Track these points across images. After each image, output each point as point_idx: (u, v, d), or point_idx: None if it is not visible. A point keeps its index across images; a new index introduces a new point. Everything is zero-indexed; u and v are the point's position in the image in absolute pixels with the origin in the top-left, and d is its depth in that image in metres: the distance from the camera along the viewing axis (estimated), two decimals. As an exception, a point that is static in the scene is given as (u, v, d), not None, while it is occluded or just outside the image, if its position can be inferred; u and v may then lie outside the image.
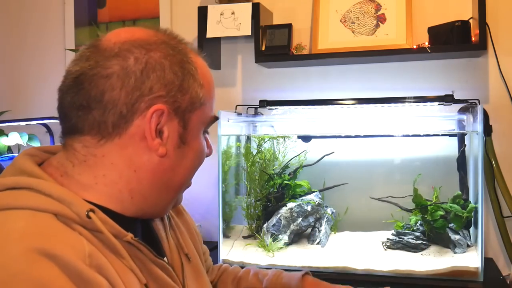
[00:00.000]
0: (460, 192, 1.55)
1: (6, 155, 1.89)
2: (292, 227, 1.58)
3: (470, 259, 1.39)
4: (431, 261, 1.41)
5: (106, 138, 0.69)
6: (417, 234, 1.52)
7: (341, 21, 1.75)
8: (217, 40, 1.89)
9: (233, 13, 1.74)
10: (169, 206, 0.78)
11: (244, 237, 1.66)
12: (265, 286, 1.01)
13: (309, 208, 1.61)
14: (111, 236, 0.67)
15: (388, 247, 1.52)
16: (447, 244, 1.47)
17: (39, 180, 0.67)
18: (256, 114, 1.77)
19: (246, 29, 1.72)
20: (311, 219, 1.61)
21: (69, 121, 0.70)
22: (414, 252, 1.48)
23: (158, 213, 0.78)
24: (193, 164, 0.76)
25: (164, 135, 0.71)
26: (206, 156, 0.79)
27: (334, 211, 1.68)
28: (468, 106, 1.52)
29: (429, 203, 1.52)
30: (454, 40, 1.55)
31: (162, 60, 0.70)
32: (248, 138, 1.76)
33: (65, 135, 0.72)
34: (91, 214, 0.65)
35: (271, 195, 1.66)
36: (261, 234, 1.59)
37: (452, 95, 1.50)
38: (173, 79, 0.70)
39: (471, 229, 1.53)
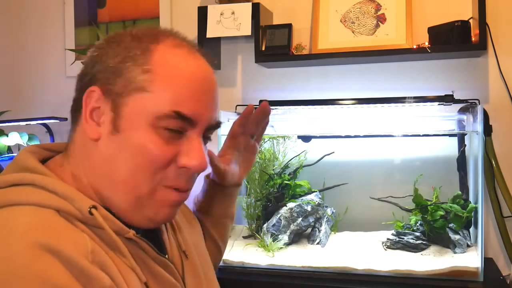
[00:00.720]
0: (460, 192, 1.55)
1: (6, 155, 1.89)
2: (292, 227, 1.57)
3: (470, 259, 1.39)
4: (431, 261, 1.41)
5: (73, 125, 0.75)
6: (417, 234, 1.52)
7: (341, 21, 1.75)
8: (217, 40, 1.89)
9: (233, 13, 1.74)
10: (136, 215, 0.70)
11: (244, 237, 1.66)
12: (196, 210, 1.03)
13: (309, 208, 1.61)
14: (112, 233, 0.67)
15: (388, 247, 1.52)
16: (447, 244, 1.47)
17: (42, 176, 0.68)
18: (256, 114, 1.77)
19: (246, 29, 1.72)
20: (311, 219, 1.61)
21: None
22: (414, 252, 1.48)
23: (130, 220, 0.71)
24: (134, 160, 0.68)
25: (100, 119, 0.70)
26: (189, 168, 0.70)
27: (334, 211, 1.68)
28: (468, 106, 1.52)
29: (429, 203, 1.52)
30: (454, 40, 1.55)
31: (108, 47, 0.71)
32: (248, 138, 1.76)
33: None
34: (93, 210, 0.66)
35: (271, 195, 1.66)
36: (261, 234, 1.59)
37: (452, 95, 1.50)
38: (112, 64, 0.69)
39: (471, 229, 1.53)
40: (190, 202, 1.05)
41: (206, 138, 0.75)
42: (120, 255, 0.68)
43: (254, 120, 0.98)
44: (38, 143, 1.90)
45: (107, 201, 0.70)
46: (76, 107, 0.73)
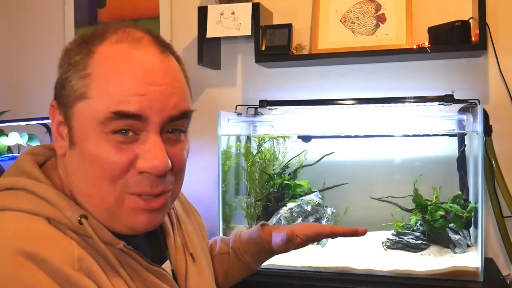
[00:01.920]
0: (460, 192, 1.55)
1: (6, 155, 1.88)
2: (292, 227, 1.57)
3: (470, 259, 1.39)
4: (431, 261, 1.41)
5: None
6: (417, 234, 1.52)
7: (341, 21, 1.75)
8: (217, 40, 1.89)
9: (233, 13, 1.74)
10: (116, 226, 0.68)
11: (244, 237, 1.66)
12: (231, 247, 1.02)
13: (309, 208, 1.61)
14: (101, 243, 0.65)
15: (388, 247, 1.52)
16: (447, 244, 1.47)
17: (35, 182, 0.67)
18: (256, 114, 1.77)
19: (246, 29, 1.72)
20: (311, 219, 1.61)
21: None
22: (414, 252, 1.48)
23: (114, 228, 0.68)
24: (91, 171, 0.64)
25: (64, 133, 0.68)
26: (148, 172, 0.64)
27: (334, 211, 1.68)
28: (468, 106, 1.52)
29: (429, 203, 1.52)
30: (454, 40, 1.55)
31: (62, 58, 0.69)
32: (248, 138, 1.76)
33: None
34: (83, 220, 0.65)
35: (271, 195, 1.66)
36: (261, 234, 1.59)
37: (452, 95, 1.50)
38: (60, 74, 0.68)
39: (471, 229, 1.53)
40: (204, 206, 1.07)
41: (176, 130, 0.68)
42: (110, 265, 0.67)
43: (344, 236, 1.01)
44: (38, 143, 1.90)
45: (89, 212, 0.67)
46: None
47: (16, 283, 0.56)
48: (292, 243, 0.96)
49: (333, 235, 1.00)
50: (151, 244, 0.76)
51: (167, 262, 0.79)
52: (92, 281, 0.62)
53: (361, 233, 0.96)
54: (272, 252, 1.00)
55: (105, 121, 0.63)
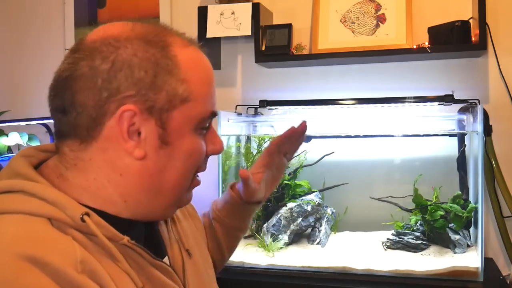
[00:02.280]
0: (460, 192, 1.55)
1: (6, 155, 1.88)
2: (292, 227, 1.58)
3: (470, 259, 1.39)
4: (431, 261, 1.41)
5: (85, 142, 0.67)
6: (417, 234, 1.52)
7: (341, 21, 1.75)
8: (217, 40, 1.89)
9: (233, 13, 1.74)
10: (170, 209, 0.74)
11: (244, 237, 1.65)
12: (212, 217, 1.02)
13: (309, 208, 1.61)
14: (105, 239, 0.65)
15: (388, 247, 1.52)
16: (447, 244, 1.47)
17: (33, 183, 0.66)
18: (256, 114, 1.77)
19: (246, 29, 1.72)
20: (311, 219, 1.61)
21: (55, 125, 0.70)
22: (414, 252, 1.48)
23: (158, 216, 0.75)
24: (184, 165, 0.71)
25: (141, 137, 0.67)
26: (215, 154, 0.76)
27: (334, 211, 1.68)
28: (468, 106, 1.52)
29: (429, 203, 1.52)
30: (454, 40, 1.55)
31: (131, 58, 0.65)
32: (248, 138, 1.76)
33: (56, 138, 0.71)
34: (85, 217, 0.64)
35: (271, 195, 1.66)
36: (261, 234, 1.59)
37: (452, 95, 1.50)
38: (143, 77, 0.65)
39: (471, 229, 1.53)
40: (204, 205, 1.06)
41: None
42: (115, 260, 0.66)
43: (291, 139, 1.00)
44: (38, 143, 1.90)
45: (145, 208, 0.71)
46: (92, 124, 0.66)
47: (18, 287, 0.55)
48: (252, 183, 0.94)
49: (280, 142, 1.00)
50: (149, 240, 0.76)
51: (166, 258, 0.79)
52: (96, 283, 0.61)
53: (301, 128, 0.98)
54: (248, 204, 0.99)
55: (203, 120, 0.71)
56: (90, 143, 0.67)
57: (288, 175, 1.69)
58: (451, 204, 1.50)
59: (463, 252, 1.44)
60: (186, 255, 0.83)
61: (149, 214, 0.72)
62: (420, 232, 1.53)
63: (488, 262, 1.52)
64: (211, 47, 1.87)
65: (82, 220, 0.64)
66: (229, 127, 1.67)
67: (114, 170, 0.68)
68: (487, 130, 1.54)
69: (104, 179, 0.68)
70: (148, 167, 0.68)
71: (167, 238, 0.81)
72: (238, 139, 1.76)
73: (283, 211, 1.60)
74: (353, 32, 1.73)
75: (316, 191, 1.69)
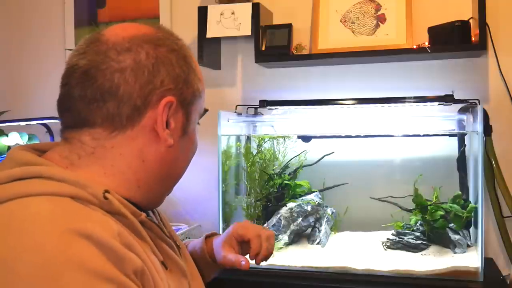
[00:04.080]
0: (460, 192, 1.55)
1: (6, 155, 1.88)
2: (292, 227, 1.58)
3: (470, 259, 1.39)
4: (431, 261, 1.41)
5: (119, 129, 0.70)
6: (417, 234, 1.52)
7: (341, 21, 1.75)
8: (217, 40, 1.89)
9: (233, 13, 1.74)
10: (164, 197, 0.81)
11: (244, 237, 1.65)
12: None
13: (309, 208, 1.61)
14: (130, 214, 0.68)
15: (388, 247, 1.52)
16: (447, 244, 1.47)
17: (49, 167, 0.67)
18: (256, 114, 1.77)
19: (246, 29, 1.72)
20: (311, 219, 1.61)
21: (78, 115, 0.70)
22: (414, 252, 1.48)
23: (156, 203, 0.81)
24: (189, 155, 0.80)
25: (171, 126, 0.73)
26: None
27: (334, 211, 1.68)
28: (468, 106, 1.52)
29: (429, 203, 1.52)
30: (454, 40, 1.55)
31: (169, 55, 0.73)
32: (248, 138, 1.76)
33: (69, 128, 0.72)
34: (107, 195, 0.66)
35: (271, 195, 1.66)
36: (261, 234, 1.58)
37: (452, 95, 1.50)
38: (180, 73, 0.74)
39: (471, 229, 1.53)
40: (204, 205, 1.06)
41: None
42: (139, 235, 0.69)
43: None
44: (42, 142, 1.90)
45: (153, 193, 0.76)
46: (134, 114, 0.70)
47: (69, 260, 0.55)
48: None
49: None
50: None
51: None
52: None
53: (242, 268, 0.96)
54: (216, 265, 1.01)
55: (202, 114, 0.82)
56: (123, 131, 0.71)
57: (288, 175, 1.69)
58: (451, 204, 1.50)
59: (463, 252, 1.44)
60: (175, 245, 0.84)
61: (152, 200, 0.78)
62: (420, 232, 1.53)
63: (488, 262, 1.52)
64: (211, 47, 1.86)
65: (104, 197, 0.65)
66: (229, 127, 1.67)
67: (138, 157, 0.72)
68: (487, 130, 1.54)
69: (123, 166, 0.71)
70: (171, 155, 0.75)
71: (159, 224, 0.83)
72: (238, 139, 1.76)
73: (283, 211, 1.60)
74: (353, 32, 1.73)
75: (316, 191, 1.69)
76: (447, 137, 1.61)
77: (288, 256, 1.50)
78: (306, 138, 1.70)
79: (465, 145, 1.57)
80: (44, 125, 2.00)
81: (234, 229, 1.01)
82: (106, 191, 0.66)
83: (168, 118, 0.72)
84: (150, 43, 0.72)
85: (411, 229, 1.55)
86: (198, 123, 0.81)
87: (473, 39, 1.56)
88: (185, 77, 0.75)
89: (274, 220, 1.59)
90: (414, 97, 1.53)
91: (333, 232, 1.67)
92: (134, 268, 0.61)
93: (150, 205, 0.79)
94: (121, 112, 0.70)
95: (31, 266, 0.54)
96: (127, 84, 0.69)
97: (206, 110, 0.83)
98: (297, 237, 1.61)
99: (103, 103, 0.69)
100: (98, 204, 0.65)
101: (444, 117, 1.60)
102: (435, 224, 1.47)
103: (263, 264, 1.29)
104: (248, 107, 1.76)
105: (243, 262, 0.93)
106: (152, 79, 0.71)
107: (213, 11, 1.76)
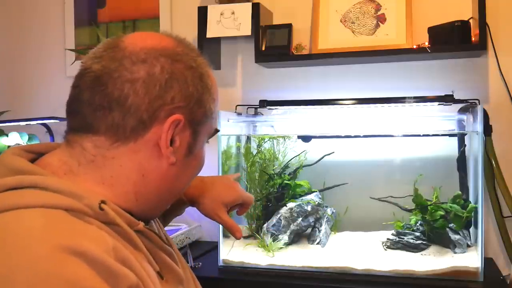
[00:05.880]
0: (460, 192, 1.54)
1: (6, 155, 1.88)
2: (292, 227, 1.58)
3: (470, 259, 1.39)
4: (431, 261, 1.41)
5: (122, 141, 0.69)
6: (417, 234, 1.52)
7: (341, 21, 1.75)
8: (217, 40, 1.89)
9: (233, 13, 1.74)
10: (162, 210, 0.81)
11: (244, 237, 1.65)
12: None
13: (309, 208, 1.61)
14: (125, 225, 0.66)
15: (388, 247, 1.52)
16: (447, 244, 1.47)
17: (43, 176, 0.66)
18: (256, 114, 1.77)
19: (246, 29, 1.72)
20: (311, 219, 1.61)
21: (83, 119, 0.69)
22: (414, 252, 1.48)
23: (152, 216, 0.80)
24: (194, 172, 0.79)
25: (176, 144, 0.71)
26: None
27: (334, 211, 1.68)
28: (468, 106, 1.52)
29: (429, 203, 1.52)
30: (454, 40, 1.55)
31: (185, 72, 0.71)
32: (248, 138, 1.76)
33: (74, 131, 0.71)
34: (103, 205, 0.64)
35: (271, 195, 1.66)
36: (261, 234, 1.59)
37: (452, 95, 1.50)
38: (193, 92, 0.72)
39: (471, 229, 1.53)
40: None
41: None
42: (135, 246, 0.68)
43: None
44: (39, 143, 1.90)
45: (150, 207, 0.75)
46: (139, 127, 0.69)
47: (61, 279, 0.54)
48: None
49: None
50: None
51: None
52: (129, 269, 0.62)
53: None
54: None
55: (211, 135, 0.79)
56: (125, 143, 0.69)
57: (288, 175, 1.70)
58: (451, 204, 1.50)
59: (463, 252, 1.44)
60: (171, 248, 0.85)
61: (150, 213, 0.77)
62: (420, 232, 1.53)
63: (488, 262, 1.52)
64: (211, 47, 1.87)
65: (100, 208, 0.64)
66: (229, 127, 1.67)
67: (138, 171, 0.71)
68: (487, 130, 1.54)
69: (123, 177, 0.70)
70: (172, 172, 0.73)
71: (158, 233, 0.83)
72: (238, 139, 1.76)
73: (283, 211, 1.60)
74: (353, 32, 1.73)
75: (316, 191, 1.69)
76: (447, 137, 1.61)
77: (288, 256, 1.50)
78: (306, 138, 1.70)
79: (465, 145, 1.57)
80: (44, 125, 2.00)
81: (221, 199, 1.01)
82: (103, 202, 0.65)
83: (174, 136, 0.70)
84: (167, 57, 0.70)
85: (411, 229, 1.55)
86: (207, 142, 0.80)
87: (473, 39, 1.56)
88: (198, 96, 0.72)
89: (274, 220, 1.59)
90: (414, 97, 1.53)
91: (333, 232, 1.67)
92: (128, 284, 0.60)
93: (146, 217, 0.77)
94: (125, 123, 0.68)
95: (25, 285, 0.54)
96: (136, 96, 0.68)
97: (217, 131, 0.81)
98: (297, 237, 1.61)
99: (109, 111, 0.68)
100: (93, 216, 0.64)
101: (444, 117, 1.60)
102: (435, 224, 1.47)
103: (263, 264, 1.30)
104: (248, 107, 1.76)
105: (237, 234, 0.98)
106: (163, 94, 0.69)
107: (213, 11, 1.76)
